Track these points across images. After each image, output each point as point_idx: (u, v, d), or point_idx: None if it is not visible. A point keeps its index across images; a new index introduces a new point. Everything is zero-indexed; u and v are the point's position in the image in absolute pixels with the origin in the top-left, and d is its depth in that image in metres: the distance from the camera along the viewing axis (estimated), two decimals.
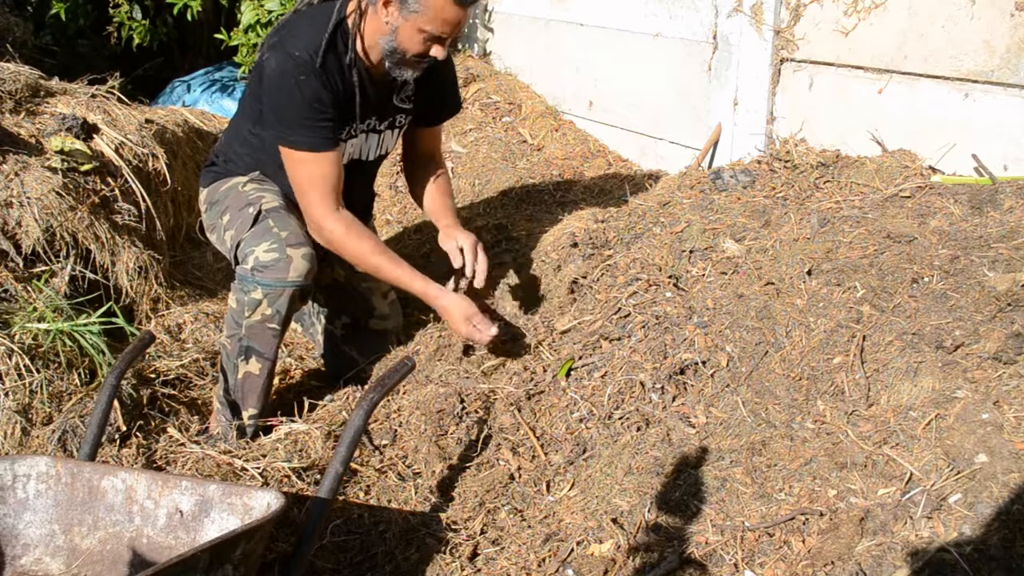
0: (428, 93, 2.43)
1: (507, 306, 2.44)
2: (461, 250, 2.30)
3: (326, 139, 2.19)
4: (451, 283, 2.56)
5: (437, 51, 2.15)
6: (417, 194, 2.58)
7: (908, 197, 2.28)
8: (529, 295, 2.51)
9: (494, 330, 2.19)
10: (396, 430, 2.16)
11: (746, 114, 3.04)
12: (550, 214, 3.10)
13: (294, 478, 2.00)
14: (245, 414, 2.27)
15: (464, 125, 3.86)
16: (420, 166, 2.57)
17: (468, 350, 2.32)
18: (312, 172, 2.20)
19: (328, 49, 2.14)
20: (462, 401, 2.10)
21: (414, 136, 2.57)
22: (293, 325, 2.96)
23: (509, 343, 2.30)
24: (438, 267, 3.06)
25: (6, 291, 2.40)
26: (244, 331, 2.21)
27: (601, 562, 1.69)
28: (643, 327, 2.14)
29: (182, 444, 2.14)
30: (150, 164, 3.02)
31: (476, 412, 2.10)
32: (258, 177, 2.38)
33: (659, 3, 3.35)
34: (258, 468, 2.01)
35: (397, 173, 3.72)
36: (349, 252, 2.26)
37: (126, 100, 3.13)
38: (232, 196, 2.33)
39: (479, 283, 2.28)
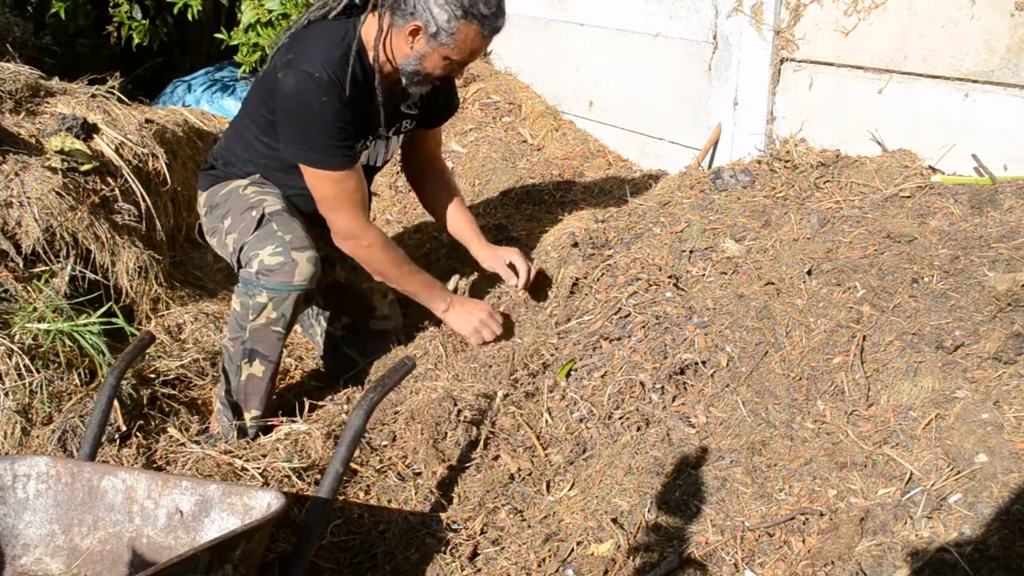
0: (433, 99, 2.46)
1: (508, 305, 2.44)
2: (511, 265, 2.46)
3: (349, 156, 2.23)
4: (452, 281, 2.57)
5: (458, 74, 2.26)
6: (431, 205, 2.68)
7: (908, 197, 2.28)
8: (530, 295, 2.51)
9: (499, 328, 2.36)
10: (395, 431, 2.16)
11: (746, 114, 3.04)
12: (550, 214, 3.10)
13: (294, 478, 1.99)
14: (247, 415, 2.27)
15: (464, 125, 3.86)
16: (425, 172, 2.65)
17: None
18: (342, 189, 2.24)
19: (346, 66, 2.15)
20: (455, 404, 2.10)
21: (417, 138, 2.60)
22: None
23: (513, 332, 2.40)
24: (438, 267, 3.06)
25: (6, 291, 2.40)
26: (248, 334, 2.21)
27: (601, 562, 1.69)
28: (643, 327, 2.14)
29: (182, 444, 2.14)
30: (150, 164, 3.02)
31: (474, 413, 2.10)
32: (258, 180, 2.37)
33: (659, 3, 3.35)
34: (258, 468, 2.01)
35: (397, 173, 3.72)
36: (382, 261, 2.32)
37: (126, 100, 3.13)
38: (233, 199, 2.33)
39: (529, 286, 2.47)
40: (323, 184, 2.24)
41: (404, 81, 2.23)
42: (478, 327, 2.35)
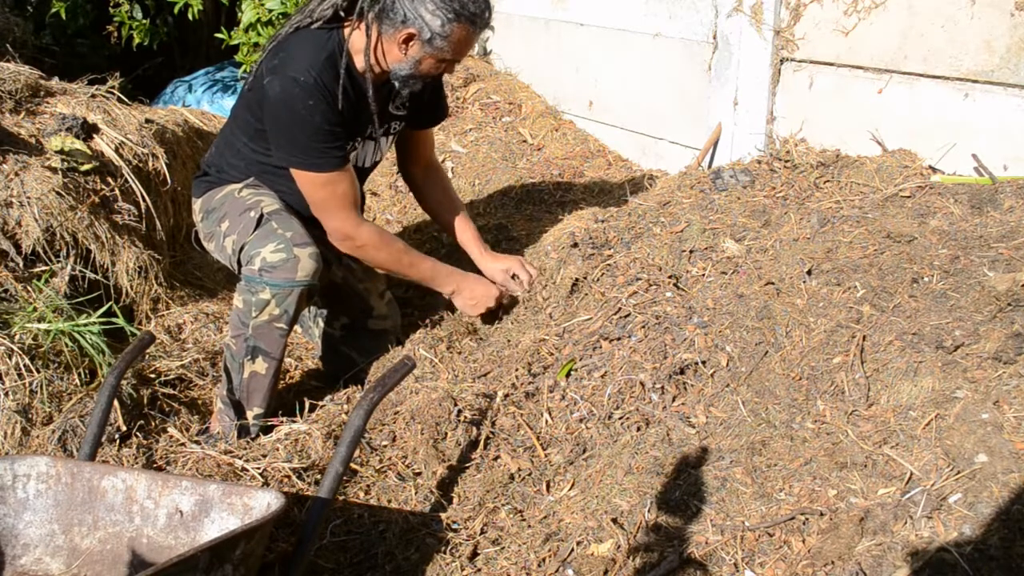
0: (422, 98, 2.48)
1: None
2: (514, 277, 2.50)
3: (339, 157, 2.25)
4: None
5: (451, 71, 2.30)
6: (430, 210, 2.73)
7: (908, 197, 2.28)
8: (528, 294, 2.50)
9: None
10: (395, 431, 2.16)
11: (746, 114, 3.04)
12: (550, 214, 3.10)
13: (294, 478, 2.00)
14: (250, 413, 2.27)
15: (464, 125, 3.86)
16: (423, 177, 2.69)
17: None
18: (332, 191, 2.27)
19: (332, 69, 2.18)
20: (455, 404, 2.10)
21: (411, 141, 2.63)
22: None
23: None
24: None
25: (6, 291, 2.40)
26: (251, 331, 2.21)
27: (601, 562, 1.69)
28: (643, 327, 2.14)
29: (182, 444, 2.14)
30: (150, 164, 3.02)
31: (474, 413, 2.10)
32: (253, 183, 2.38)
33: (659, 3, 3.35)
34: (258, 468, 2.01)
35: (397, 173, 3.72)
36: (381, 259, 2.37)
37: (126, 100, 3.13)
38: (229, 203, 2.34)
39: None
40: (313, 187, 2.26)
41: (397, 85, 2.27)
42: (485, 312, 2.43)
